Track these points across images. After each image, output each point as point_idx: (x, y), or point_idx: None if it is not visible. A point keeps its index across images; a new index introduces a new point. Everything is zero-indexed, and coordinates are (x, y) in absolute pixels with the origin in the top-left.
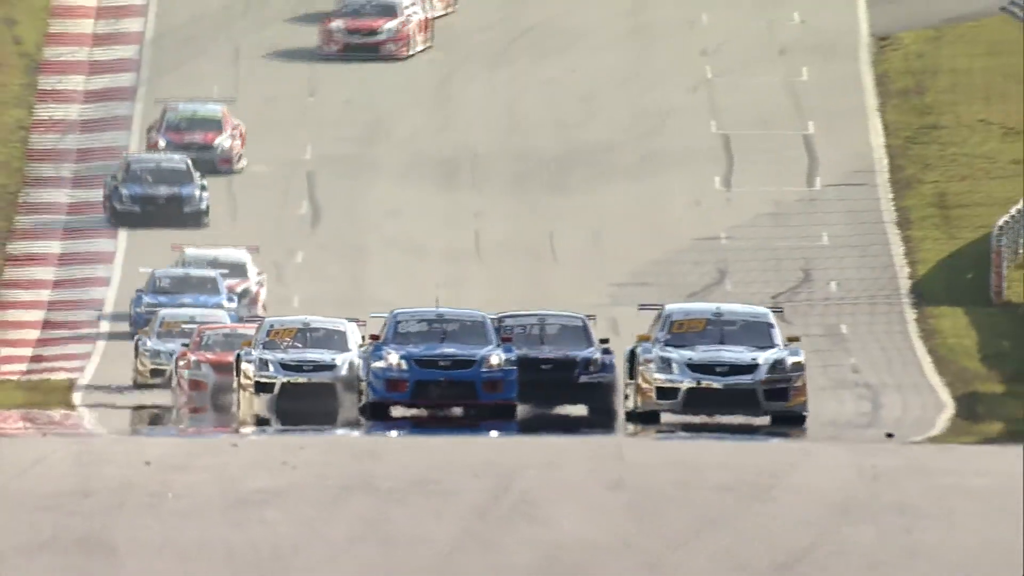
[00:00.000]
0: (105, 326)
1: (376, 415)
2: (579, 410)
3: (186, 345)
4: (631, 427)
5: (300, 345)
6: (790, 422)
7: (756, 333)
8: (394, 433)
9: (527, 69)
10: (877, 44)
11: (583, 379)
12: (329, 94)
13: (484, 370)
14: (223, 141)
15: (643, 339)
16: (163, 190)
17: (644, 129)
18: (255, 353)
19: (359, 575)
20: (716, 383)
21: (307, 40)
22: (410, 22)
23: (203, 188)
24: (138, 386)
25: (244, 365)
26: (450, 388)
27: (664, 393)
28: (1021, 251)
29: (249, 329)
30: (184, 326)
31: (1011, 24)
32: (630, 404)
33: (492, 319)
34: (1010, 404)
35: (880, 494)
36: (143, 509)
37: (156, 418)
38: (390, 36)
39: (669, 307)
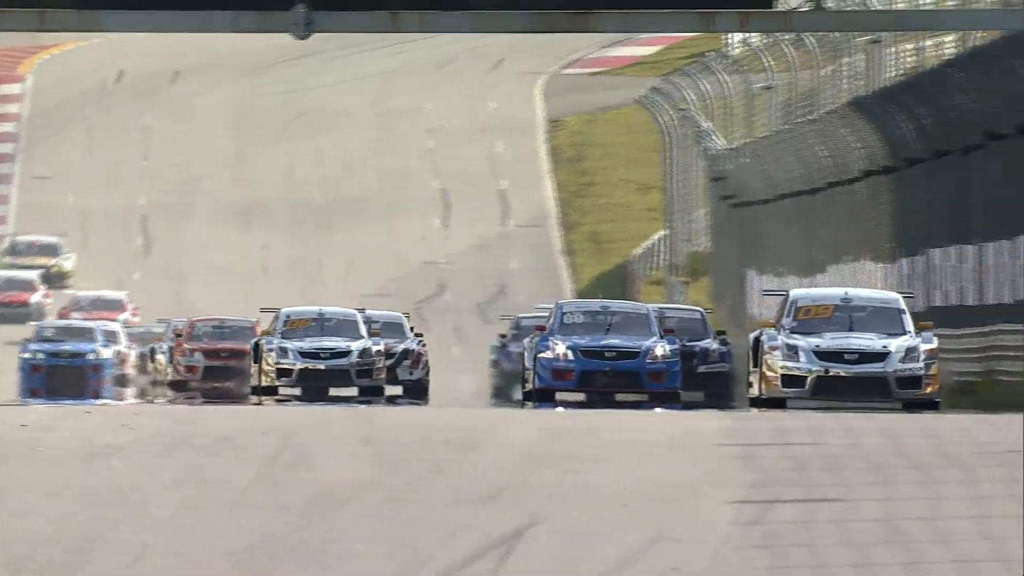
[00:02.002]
0: None
1: (542, 400)
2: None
3: (179, 335)
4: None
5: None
6: (924, 409)
7: (886, 319)
8: None
9: (302, 141)
10: (550, 125)
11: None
12: (158, 158)
13: (649, 360)
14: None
15: (767, 326)
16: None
17: (386, 186)
18: (275, 341)
19: (181, 506)
20: (844, 371)
21: (142, 116)
22: None
23: None
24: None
25: (265, 352)
26: (616, 378)
27: (791, 381)
28: (651, 271)
29: (235, 321)
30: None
31: (643, 111)
32: (754, 391)
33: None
34: None
35: (557, 447)
36: (20, 460)
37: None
38: None
39: (795, 292)
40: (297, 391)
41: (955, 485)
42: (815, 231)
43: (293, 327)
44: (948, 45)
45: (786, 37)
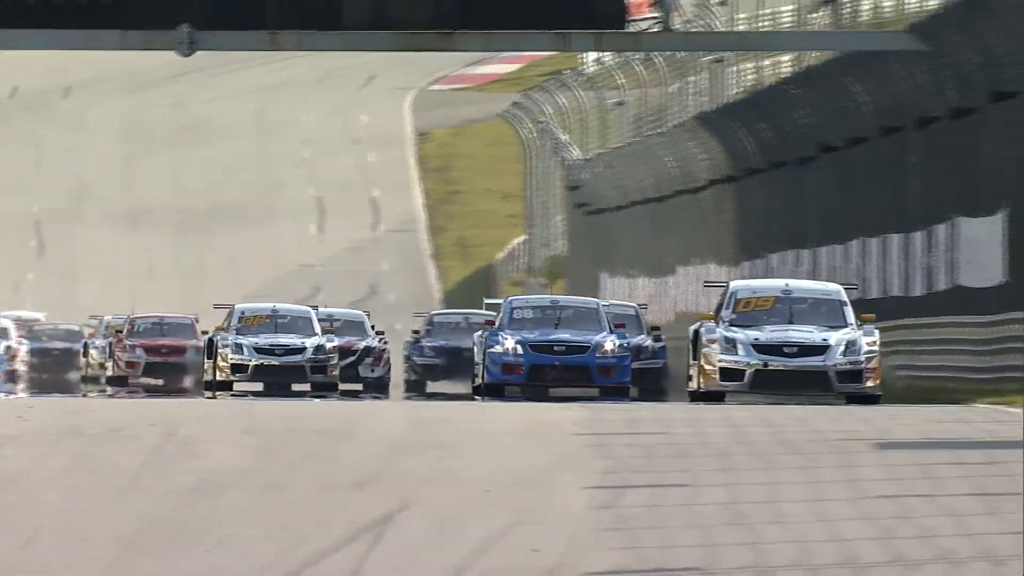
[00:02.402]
0: None
1: (492, 394)
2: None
3: (119, 332)
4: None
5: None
6: (865, 402)
7: (828, 311)
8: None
9: (187, 151)
10: (418, 137)
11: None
12: (51, 168)
13: (598, 355)
14: None
15: (707, 318)
16: None
17: (265, 193)
18: (230, 338)
19: (71, 490)
20: (783, 365)
21: (36, 129)
22: None
23: None
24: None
25: (220, 348)
26: (565, 372)
27: (729, 374)
28: (513, 274)
29: (174, 317)
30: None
31: (506, 125)
32: (693, 385)
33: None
34: None
35: (424, 437)
36: None
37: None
38: None
39: (735, 284)
40: (257, 386)
41: (793, 471)
42: (664, 236)
43: (248, 323)
44: (785, 64)
45: (636, 56)
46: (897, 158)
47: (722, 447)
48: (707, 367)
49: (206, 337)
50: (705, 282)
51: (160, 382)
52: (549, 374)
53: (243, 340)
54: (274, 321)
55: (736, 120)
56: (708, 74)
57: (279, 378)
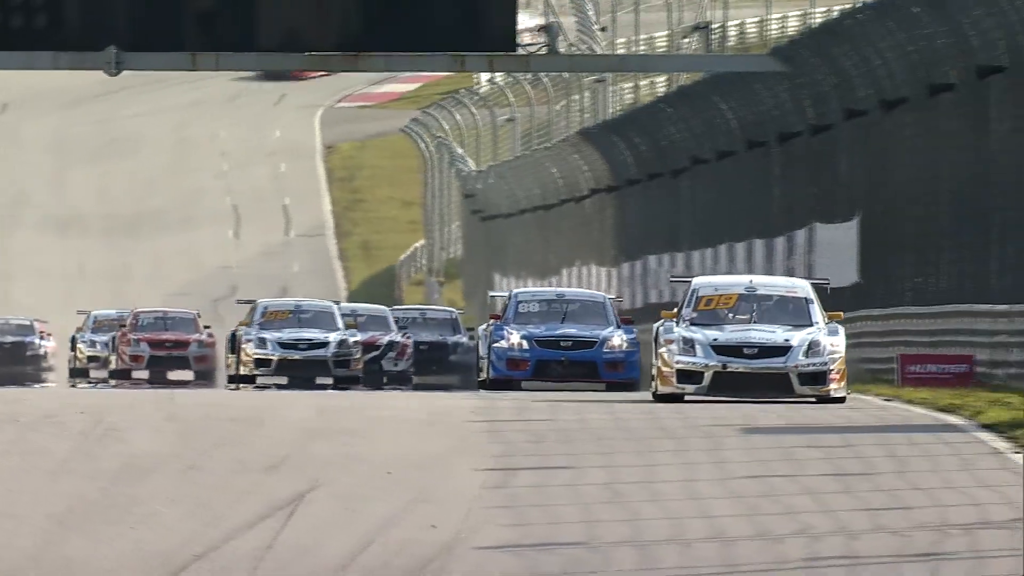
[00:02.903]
0: None
1: (497, 389)
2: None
3: (123, 327)
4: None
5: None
6: (830, 403)
7: (793, 309)
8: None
9: (114, 163)
10: (326, 150)
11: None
12: None
13: (606, 351)
14: None
15: (670, 316)
16: None
17: (186, 201)
18: (253, 332)
19: (5, 471)
20: (744, 366)
21: None
22: None
23: None
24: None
25: (243, 343)
26: (571, 367)
27: (687, 376)
28: (413, 274)
29: (177, 312)
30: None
31: (406, 139)
32: (654, 385)
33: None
34: None
35: (331, 423)
36: None
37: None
38: None
39: (697, 281)
40: (281, 380)
41: (667, 454)
42: (550, 240)
43: (271, 318)
44: (660, 84)
45: (526, 76)
46: (761, 170)
47: (603, 432)
48: (664, 369)
49: (230, 332)
50: (671, 277)
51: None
52: (555, 369)
53: (266, 335)
54: (297, 316)
55: (616, 135)
56: (590, 93)
57: (302, 372)
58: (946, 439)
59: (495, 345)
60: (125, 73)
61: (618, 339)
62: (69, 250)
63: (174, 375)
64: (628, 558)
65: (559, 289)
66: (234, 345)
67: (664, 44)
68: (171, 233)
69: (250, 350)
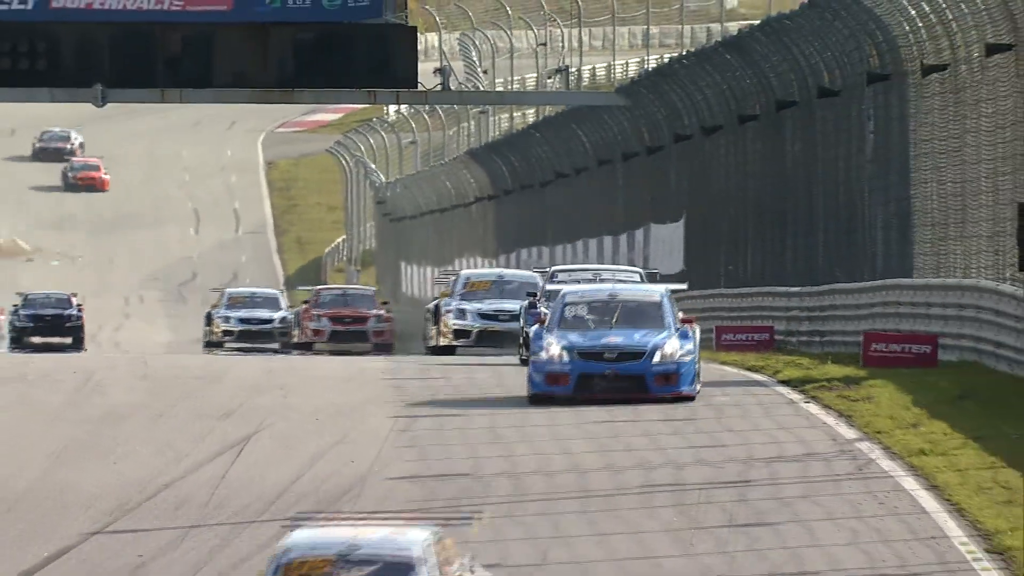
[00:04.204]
0: None
1: (537, 404)
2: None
3: (307, 303)
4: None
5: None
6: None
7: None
8: None
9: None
10: (267, 166)
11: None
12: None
13: (656, 363)
14: None
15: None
16: None
17: (157, 205)
18: (454, 303)
19: (12, 419)
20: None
21: None
22: None
23: None
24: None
25: (443, 314)
26: (617, 382)
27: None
28: (337, 263)
29: (356, 289)
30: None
31: (331, 157)
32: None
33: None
34: None
35: (272, 380)
36: None
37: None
38: None
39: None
40: (480, 350)
41: (538, 405)
42: (444, 237)
43: (472, 289)
44: (530, 115)
45: (425, 108)
46: (608, 182)
47: (486, 389)
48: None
49: (432, 303)
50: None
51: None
52: (599, 384)
53: (466, 305)
54: (500, 287)
55: (495, 155)
56: (475, 121)
57: (503, 344)
58: (752, 392)
59: (534, 358)
60: (108, 105)
61: (671, 347)
62: (66, 244)
63: (354, 348)
64: (504, 486)
65: (613, 287)
66: (436, 316)
67: (533, 83)
68: (144, 230)
69: (449, 321)
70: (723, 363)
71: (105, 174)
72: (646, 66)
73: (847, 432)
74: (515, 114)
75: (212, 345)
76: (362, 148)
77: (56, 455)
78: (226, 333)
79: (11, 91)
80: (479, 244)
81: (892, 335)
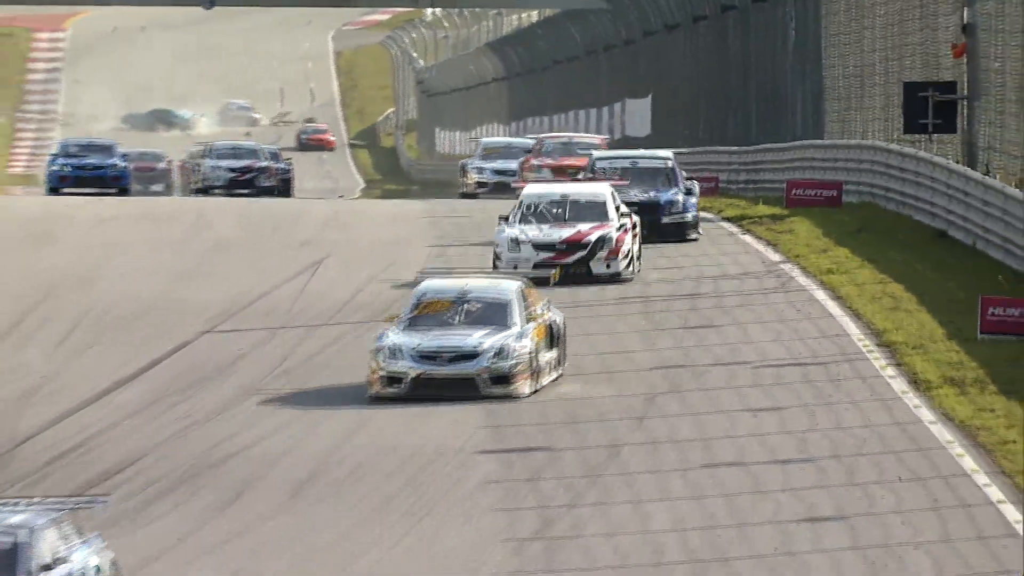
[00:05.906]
0: None
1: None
2: None
3: (528, 151)
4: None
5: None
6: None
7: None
8: None
9: (214, 62)
10: (336, 56)
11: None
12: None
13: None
14: None
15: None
16: None
17: (254, 82)
18: (475, 163)
19: (145, 244)
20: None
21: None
22: None
23: None
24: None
25: (468, 171)
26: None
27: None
28: (388, 130)
29: (581, 138)
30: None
31: (383, 48)
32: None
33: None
34: None
35: (339, 219)
36: None
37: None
38: None
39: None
40: None
41: None
42: (469, 110)
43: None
44: (534, 15)
45: (454, 11)
46: (594, 68)
47: (483, 227)
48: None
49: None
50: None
51: None
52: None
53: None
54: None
55: (508, 45)
56: (493, 21)
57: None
58: (702, 227)
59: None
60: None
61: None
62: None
63: None
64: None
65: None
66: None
67: None
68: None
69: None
70: None
71: (332, 136)
72: None
73: (773, 256)
74: (523, 15)
75: (467, 196)
76: (407, 41)
77: (177, 274)
78: (479, 185)
79: None
80: (495, 115)
81: (808, 182)
